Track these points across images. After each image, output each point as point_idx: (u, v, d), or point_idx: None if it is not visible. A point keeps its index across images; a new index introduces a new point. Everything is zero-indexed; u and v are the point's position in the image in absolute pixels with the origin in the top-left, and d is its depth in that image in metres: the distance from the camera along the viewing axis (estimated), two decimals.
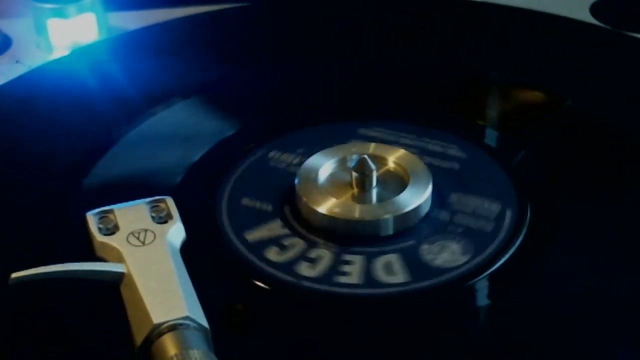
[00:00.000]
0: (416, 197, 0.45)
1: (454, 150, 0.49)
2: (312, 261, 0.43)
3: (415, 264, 0.43)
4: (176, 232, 0.41)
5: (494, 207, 0.46)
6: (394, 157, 0.47)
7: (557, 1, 0.62)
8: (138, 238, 0.40)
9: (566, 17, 0.60)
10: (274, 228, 0.45)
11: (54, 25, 0.60)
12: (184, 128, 0.52)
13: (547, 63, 0.56)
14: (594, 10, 0.62)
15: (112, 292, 0.39)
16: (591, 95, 0.53)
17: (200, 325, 0.37)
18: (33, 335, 0.40)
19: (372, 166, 0.45)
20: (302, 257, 0.43)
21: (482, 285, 0.42)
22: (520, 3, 0.62)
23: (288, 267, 0.43)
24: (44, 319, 0.40)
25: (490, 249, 0.43)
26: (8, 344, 0.39)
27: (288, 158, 0.49)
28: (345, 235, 0.44)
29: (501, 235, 0.44)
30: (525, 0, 0.62)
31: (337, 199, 0.45)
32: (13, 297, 0.40)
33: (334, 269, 0.43)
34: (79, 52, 0.60)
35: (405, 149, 0.48)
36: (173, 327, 0.36)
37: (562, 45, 0.58)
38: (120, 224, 0.41)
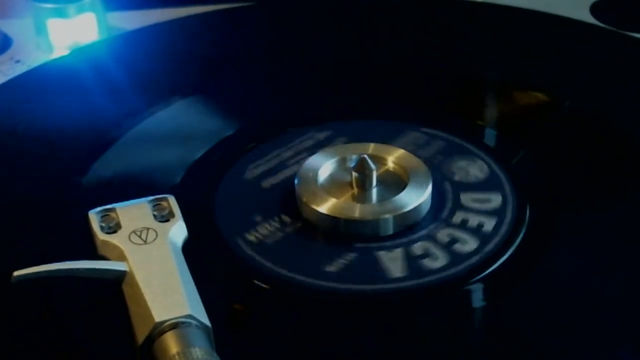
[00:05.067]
0: (416, 197, 0.45)
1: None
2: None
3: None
4: (178, 231, 0.41)
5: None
6: (394, 157, 0.47)
7: (557, 1, 0.62)
8: (140, 236, 0.40)
9: (566, 17, 0.60)
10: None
11: (54, 25, 0.60)
12: (184, 127, 0.52)
13: (546, 63, 0.56)
14: (594, 10, 0.62)
15: (114, 290, 0.39)
16: (591, 95, 0.53)
17: (202, 323, 0.37)
18: (34, 334, 0.40)
19: (372, 166, 0.45)
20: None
21: (481, 286, 0.42)
22: (520, 3, 0.62)
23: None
24: (46, 317, 0.40)
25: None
26: (8, 343, 0.39)
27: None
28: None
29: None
30: (525, 0, 0.62)
31: (337, 198, 0.45)
32: (15, 296, 0.40)
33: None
34: (79, 52, 0.60)
35: (404, 149, 0.48)
36: (175, 326, 0.36)
37: (562, 45, 0.58)
38: (122, 222, 0.41)
